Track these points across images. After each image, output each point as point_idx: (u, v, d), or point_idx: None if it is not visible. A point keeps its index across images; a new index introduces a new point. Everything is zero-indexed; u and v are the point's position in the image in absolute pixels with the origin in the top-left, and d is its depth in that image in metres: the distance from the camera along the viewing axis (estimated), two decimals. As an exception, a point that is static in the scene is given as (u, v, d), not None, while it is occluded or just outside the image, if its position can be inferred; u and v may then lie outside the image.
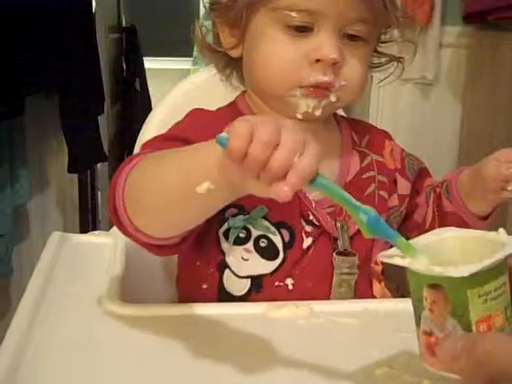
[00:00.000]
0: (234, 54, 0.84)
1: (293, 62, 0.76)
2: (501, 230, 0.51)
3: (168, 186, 0.63)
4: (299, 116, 0.78)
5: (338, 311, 0.73)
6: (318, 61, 0.75)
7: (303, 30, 0.76)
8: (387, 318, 0.68)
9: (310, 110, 0.77)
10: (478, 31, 2.32)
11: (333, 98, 0.77)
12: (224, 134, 0.52)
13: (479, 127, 2.29)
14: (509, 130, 2.04)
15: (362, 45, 0.78)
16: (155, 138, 0.80)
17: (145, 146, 0.79)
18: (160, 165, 0.66)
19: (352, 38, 0.77)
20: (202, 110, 0.85)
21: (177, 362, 0.63)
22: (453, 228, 0.54)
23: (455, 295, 0.46)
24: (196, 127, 0.80)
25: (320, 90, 0.76)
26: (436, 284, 0.47)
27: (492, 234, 0.51)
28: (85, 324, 0.70)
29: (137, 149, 1.04)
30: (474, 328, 0.46)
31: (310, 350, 0.65)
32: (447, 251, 0.51)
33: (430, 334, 0.48)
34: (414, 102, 2.45)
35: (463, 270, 0.45)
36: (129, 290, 0.80)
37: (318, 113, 0.78)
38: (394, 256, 0.50)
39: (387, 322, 0.68)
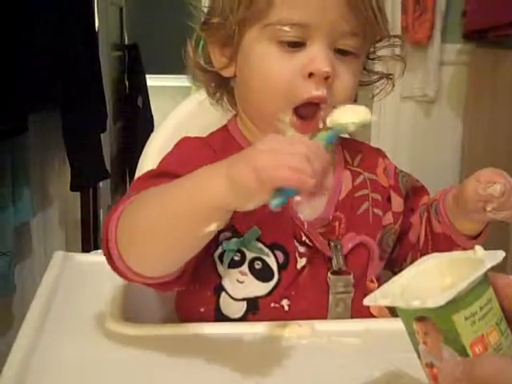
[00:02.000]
0: (226, 73, 0.83)
1: (286, 76, 0.76)
2: (477, 247, 0.51)
3: (165, 230, 0.65)
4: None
5: (340, 331, 0.73)
6: (311, 75, 0.75)
7: (296, 45, 0.76)
8: (389, 338, 0.68)
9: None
10: (478, 49, 2.33)
11: (320, 125, 0.75)
12: (277, 201, 0.58)
13: (480, 144, 2.29)
14: (509, 147, 2.04)
15: (353, 60, 0.78)
16: (144, 175, 0.80)
17: (134, 185, 0.79)
18: (154, 208, 0.67)
19: (343, 53, 0.77)
20: (190, 138, 0.85)
21: (178, 381, 0.63)
22: (435, 254, 0.54)
23: (442, 323, 0.46)
24: (181, 160, 0.80)
25: (307, 122, 0.76)
26: (422, 316, 0.47)
27: (470, 252, 0.51)
28: (88, 343, 0.70)
29: (139, 168, 1.04)
30: (469, 351, 0.46)
31: (311, 370, 0.65)
32: (436, 278, 0.51)
33: (431, 365, 0.48)
34: (416, 119, 2.45)
35: (440, 299, 0.44)
36: (131, 309, 0.80)
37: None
38: (377, 298, 0.51)
39: (389, 341, 0.68)
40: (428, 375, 0.49)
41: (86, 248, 2.15)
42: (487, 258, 0.49)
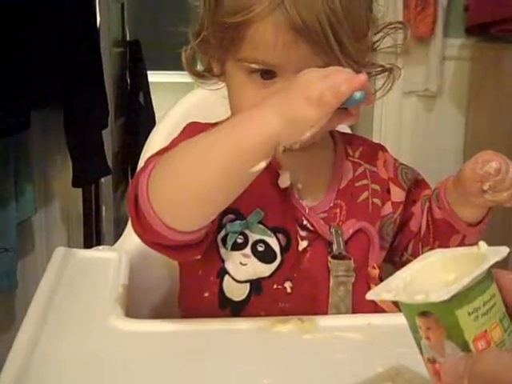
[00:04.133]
0: (222, 79, 0.85)
1: None
2: (481, 242, 0.51)
3: (211, 173, 0.67)
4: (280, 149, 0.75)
5: (343, 326, 0.73)
6: None
7: (268, 77, 0.76)
8: (391, 333, 0.68)
9: (287, 146, 0.73)
10: (480, 43, 2.32)
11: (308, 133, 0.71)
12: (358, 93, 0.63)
13: (482, 138, 2.29)
14: (512, 142, 2.04)
15: None
16: (158, 152, 0.80)
17: (149, 160, 0.79)
18: (196, 152, 0.68)
19: None
20: (198, 123, 0.87)
21: (181, 378, 0.63)
22: (439, 250, 0.54)
23: (445, 319, 0.46)
24: None
25: None
26: (425, 311, 0.47)
27: (474, 248, 0.51)
28: (89, 339, 0.70)
29: (141, 164, 1.04)
30: (472, 347, 0.45)
31: (314, 365, 0.65)
32: (440, 274, 0.51)
33: (433, 361, 0.48)
34: (418, 115, 2.45)
35: (443, 294, 0.44)
36: (133, 305, 0.80)
37: (296, 146, 0.74)
38: (380, 292, 0.51)
39: (391, 337, 0.68)
40: (430, 371, 0.49)
41: (88, 244, 2.15)
42: (491, 253, 0.49)
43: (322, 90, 0.62)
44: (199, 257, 0.78)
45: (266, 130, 0.64)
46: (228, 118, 0.89)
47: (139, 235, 0.74)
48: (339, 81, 0.63)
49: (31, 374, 0.62)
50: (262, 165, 0.65)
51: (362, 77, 0.63)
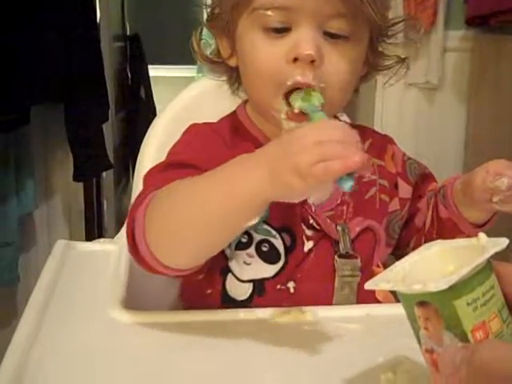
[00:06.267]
0: (231, 63, 0.84)
1: (272, 62, 0.75)
2: (480, 234, 0.51)
3: (201, 226, 0.65)
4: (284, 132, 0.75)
5: (343, 317, 0.73)
6: (295, 60, 0.73)
7: (281, 31, 0.75)
8: (391, 324, 0.68)
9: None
10: (481, 35, 2.31)
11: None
12: (348, 184, 0.56)
13: (484, 131, 2.28)
14: (514, 134, 2.04)
15: (344, 43, 0.76)
16: (155, 168, 0.79)
17: (147, 177, 0.79)
18: (187, 203, 0.66)
19: (333, 36, 0.75)
20: (199, 125, 0.86)
21: (181, 369, 0.63)
22: (438, 241, 0.54)
23: (444, 308, 0.46)
24: (194, 148, 0.81)
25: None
26: (424, 301, 0.47)
27: (473, 239, 0.51)
28: (89, 331, 0.71)
29: (141, 153, 1.04)
30: (470, 337, 0.45)
31: (313, 356, 0.65)
32: (439, 265, 0.51)
33: (431, 351, 0.48)
34: (419, 107, 2.45)
35: (442, 283, 0.44)
36: (133, 297, 0.80)
37: None
38: (379, 282, 0.51)
39: (391, 327, 0.68)
40: (428, 361, 0.49)
41: (90, 238, 2.15)
42: (490, 244, 0.49)
43: (313, 161, 0.55)
44: (201, 277, 0.77)
45: (255, 192, 0.60)
46: (232, 114, 0.89)
47: (141, 266, 0.72)
48: (334, 154, 0.55)
49: (31, 366, 0.62)
50: (254, 221, 0.63)
51: (358, 158, 0.54)
